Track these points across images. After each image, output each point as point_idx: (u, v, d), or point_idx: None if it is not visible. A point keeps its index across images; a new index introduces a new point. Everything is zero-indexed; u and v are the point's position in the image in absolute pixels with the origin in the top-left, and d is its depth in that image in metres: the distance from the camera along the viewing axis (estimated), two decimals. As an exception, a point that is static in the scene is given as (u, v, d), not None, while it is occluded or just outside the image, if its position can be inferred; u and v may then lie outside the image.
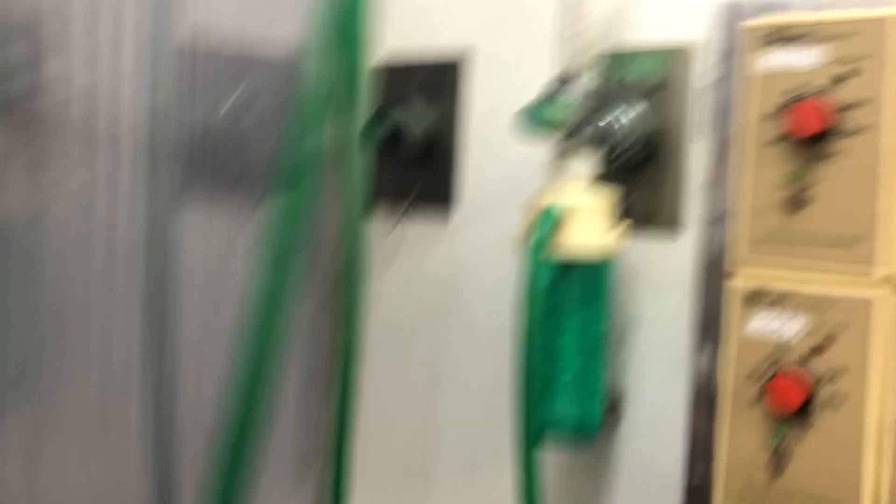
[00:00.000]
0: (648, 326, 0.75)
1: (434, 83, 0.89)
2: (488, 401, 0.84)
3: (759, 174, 0.57)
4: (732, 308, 0.58)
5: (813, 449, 0.55)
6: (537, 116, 0.62)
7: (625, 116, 0.73)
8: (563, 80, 0.67)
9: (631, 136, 0.72)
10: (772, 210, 0.57)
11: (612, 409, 0.76)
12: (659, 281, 0.74)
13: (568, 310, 0.68)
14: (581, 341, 0.68)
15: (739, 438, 0.58)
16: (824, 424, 0.55)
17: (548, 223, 0.62)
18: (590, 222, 0.66)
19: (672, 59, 0.74)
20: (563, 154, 0.67)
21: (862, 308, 0.54)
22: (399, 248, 0.91)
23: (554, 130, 0.65)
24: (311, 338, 0.92)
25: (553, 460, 0.79)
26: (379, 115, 0.86)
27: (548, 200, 0.65)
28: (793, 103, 0.55)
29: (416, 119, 0.87)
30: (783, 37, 0.56)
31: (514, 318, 0.59)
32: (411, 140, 0.86)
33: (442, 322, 0.88)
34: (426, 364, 0.89)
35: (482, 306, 0.85)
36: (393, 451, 0.92)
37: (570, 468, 0.79)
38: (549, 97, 0.67)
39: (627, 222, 0.76)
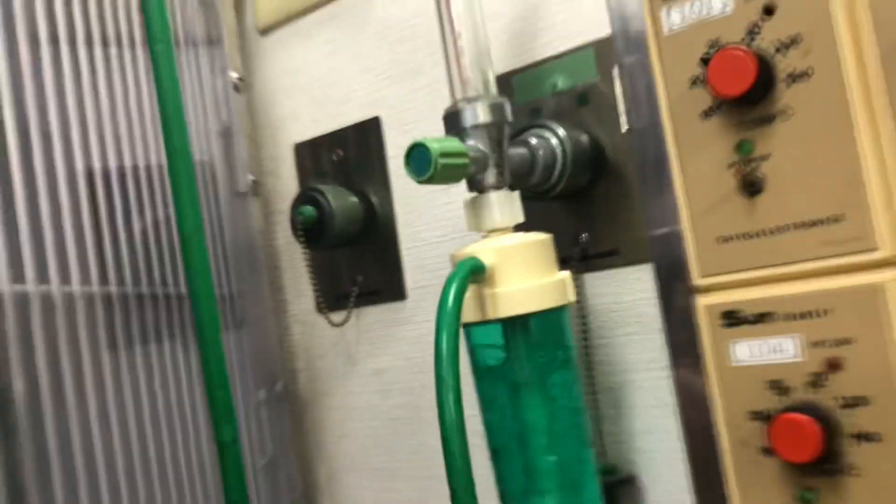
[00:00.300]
0: (642, 378, 0.61)
1: (356, 150, 0.79)
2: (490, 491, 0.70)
3: (697, 158, 0.44)
4: (708, 334, 0.44)
5: (860, 501, 0.40)
6: (427, 161, 0.51)
7: (552, 137, 0.61)
8: (454, 113, 0.55)
9: (563, 159, 0.60)
10: (724, 200, 0.44)
11: (625, 492, 0.61)
12: (640, 322, 0.61)
13: (529, 382, 0.54)
14: (555, 416, 0.54)
15: (756, 502, 0.43)
16: (866, 469, 0.40)
17: (462, 277, 0.49)
18: (526, 268, 0.53)
19: (593, 58, 0.62)
20: (480, 198, 0.55)
21: (870, 300, 0.40)
22: (355, 344, 0.80)
23: (455, 173, 0.53)
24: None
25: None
26: (303, 201, 0.75)
27: (467, 253, 0.53)
28: (711, 59, 0.42)
29: (343, 196, 0.76)
30: (684, -16, 0.44)
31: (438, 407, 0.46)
32: (341, 221, 0.75)
33: (422, 426, 0.75)
34: (414, 468, 0.76)
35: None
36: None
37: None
38: (445, 129, 0.56)
39: (588, 259, 0.63)
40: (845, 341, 0.40)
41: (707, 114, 0.44)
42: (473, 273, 0.51)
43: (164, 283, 0.70)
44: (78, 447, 0.62)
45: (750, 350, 0.43)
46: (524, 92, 0.66)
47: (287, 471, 0.81)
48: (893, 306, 0.39)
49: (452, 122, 0.56)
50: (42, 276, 0.62)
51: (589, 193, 0.63)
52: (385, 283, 0.77)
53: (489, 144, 0.55)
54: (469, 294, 0.53)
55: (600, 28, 0.62)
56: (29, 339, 0.60)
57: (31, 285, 0.60)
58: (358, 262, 0.79)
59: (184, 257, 0.59)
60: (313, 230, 0.75)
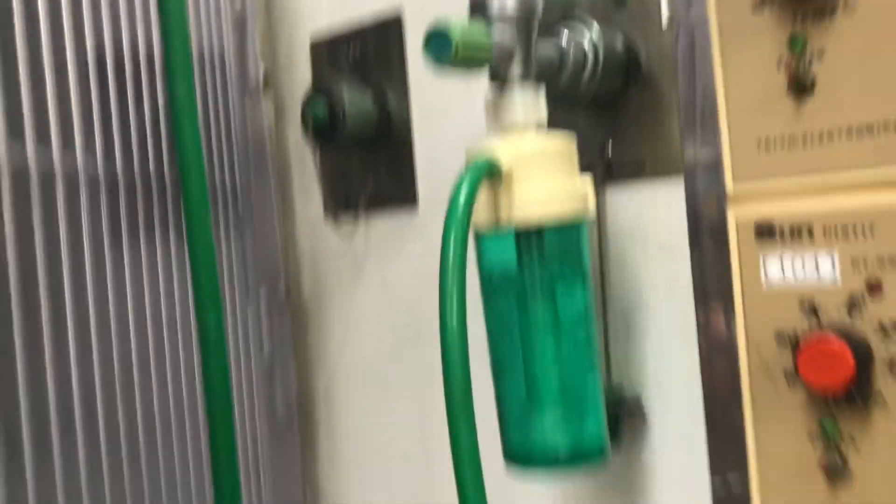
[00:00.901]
0: (659, 301, 0.58)
1: (375, 49, 0.74)
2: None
3: (743, 53, 0.40)
4: (738, 247, 0.41)
5: (882, 441, 0.37)
6: (448, 45, 0.47)
7: (585, 35, 0.56)
8: (481, 1, 0.51)
9: (595, 60, 0.56)
10: (768, 100, 0.40)
11: (630, 412, 0.59)
12: (662, 242, 0.57)
13: (537, 297, 0.51)
14: (562, 333, 0.52)
15: (773, 433, 0.40)
16: (892, 408, 0.37)
17: (475, 176, 0.46)
18: (546, 172, 0.49)
19: (635, -48, 0.57)
20: (502, 93, 0.51)
21: (923, 218, 0.36)
22: (362, 253, 0.77)
23: (477, 60, 0.49)
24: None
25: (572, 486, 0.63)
26: (316, 97, 0.72)
27: (484, 151, 0.49)
28: (771, -61, 0.38)
29: (358, 95, 0.73)
30: None
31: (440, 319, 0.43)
32: (354, 121, 0.72)
33: (425, 341, 0.73)
34: (413, 385, 0.74)
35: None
36: (392, 492, 0.76)
37: (594, 481, 0.62)
38: (470, 18, 0.52)
39: (612, 172, 0.59)
40: (889, 262, 0.37)
41: (759, 6, 0.40)
42: (488, 174, 0.47)
43: (170, 167, 0.67)
44: (72, 332, 0.60)
45: (783, 267, 0.39)
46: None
47: (284, 376, 0.79)
48: (947, 226, 0.36)
49: (478, 9, 0.51)
50: (44, 148, 0.59)
51: (618, 101, 0.59)
52: (397, 190, 0.74)
53: (516, 36, 0.51)
54: (481, 196, 0.49)
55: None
56: (27, 215, 0.57)
57: (31, 155, 0.57)
58: (370, 165, 0.75)
59: (173, 124, 0.55)
60: (325, 128, 0.71)
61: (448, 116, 0.69)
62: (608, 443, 0.53)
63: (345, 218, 0.76)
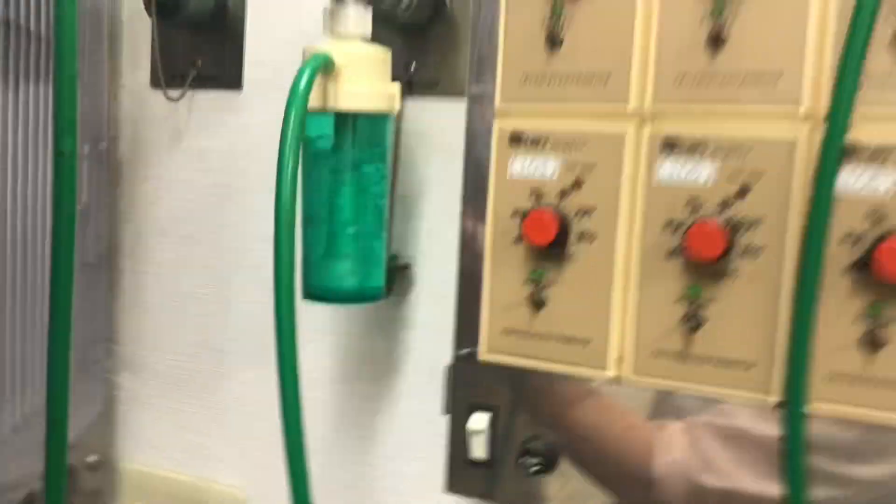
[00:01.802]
0: (434, 192, 0.75)
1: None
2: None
3: (520, 12, 0.57)
4: (496, 150, 0.58)
5: (571, 281, 0.57)
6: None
7: (404, -27, 0.71)
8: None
9: (412, -9, 0.71)
10: (532, 49, 0.57)
11: (401, 274, 0.76)
12: (443, 147, 0.74)
13: (347, 167, 0.66)
14: (361, 200, 0.67)
15: (501, 278, 0.59)
16: (580, 258, 0.56)
17: (314, 66, 0.59)
18: (367, 73, 0.64)
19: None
20: (339, 7, 0.64)
21: (614, 141, 0.55)
22: (184, 123, 0.87)
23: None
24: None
25: (348, 316, 0.79)
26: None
27: (322, 49, 0.63)
28: None
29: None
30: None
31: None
32: (195, 3, 0.81)
33: (233, 205, 0.85)
34: (218, 238, 0.86)
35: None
36: (180, 349, 0.88)
37: (366, 326, 0.79)
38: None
39: (412, 87, 0.75)
40: (589, 168, 0.56)
41: None
42: (324, 66, 0.61)
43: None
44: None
45: (522, 165, 0.58)
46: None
47: (96, 225, 0.87)
48: (628, 149, 0.55)
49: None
50: None
51: (424, 30, 0.74)
52: (224, 71, 0.84)
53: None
54: (315, 83, 0.63)
55: None
56: None
57: None
58: (201, 45, 0.85)
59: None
60: (167, 6, 0.80)
61: (280, 15, 0.81)
62: (384, 289, 0.69)
63: (171, 90, 0.85)
